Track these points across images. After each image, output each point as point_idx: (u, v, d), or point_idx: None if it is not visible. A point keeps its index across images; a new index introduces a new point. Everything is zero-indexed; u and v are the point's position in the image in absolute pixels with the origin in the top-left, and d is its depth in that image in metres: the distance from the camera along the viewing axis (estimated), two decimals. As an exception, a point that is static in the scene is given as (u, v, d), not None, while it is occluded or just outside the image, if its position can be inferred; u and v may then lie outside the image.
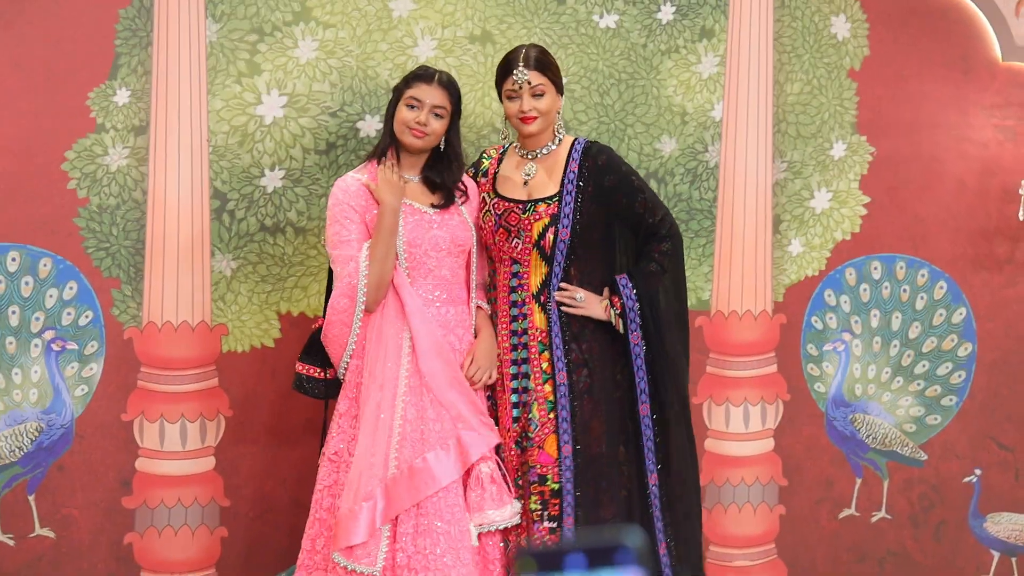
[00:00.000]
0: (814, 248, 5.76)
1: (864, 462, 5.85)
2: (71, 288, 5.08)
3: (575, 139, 4.88)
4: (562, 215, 4.78)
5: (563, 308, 4.78)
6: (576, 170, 4.82)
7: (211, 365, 5.20)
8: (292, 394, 5.03)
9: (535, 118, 4.79)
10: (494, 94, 5.39)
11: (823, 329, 5.79)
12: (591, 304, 4.80)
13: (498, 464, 4.69)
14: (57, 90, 5.05)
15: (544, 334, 4.78)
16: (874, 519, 5.88)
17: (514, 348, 4.81)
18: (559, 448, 4.70)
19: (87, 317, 5.10)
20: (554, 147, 4.87)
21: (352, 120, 5.27)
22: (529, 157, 4.89)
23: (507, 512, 4.65)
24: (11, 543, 5.08)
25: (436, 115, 4.76)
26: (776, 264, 5.72)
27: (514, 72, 4.79)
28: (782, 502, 5.77)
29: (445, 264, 4.75)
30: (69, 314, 5.09)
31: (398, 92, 4.78)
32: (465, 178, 4.88)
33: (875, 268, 5.84)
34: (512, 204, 4.83)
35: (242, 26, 5.20)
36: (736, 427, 5.72)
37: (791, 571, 5.79)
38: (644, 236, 4.85)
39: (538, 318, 4.80)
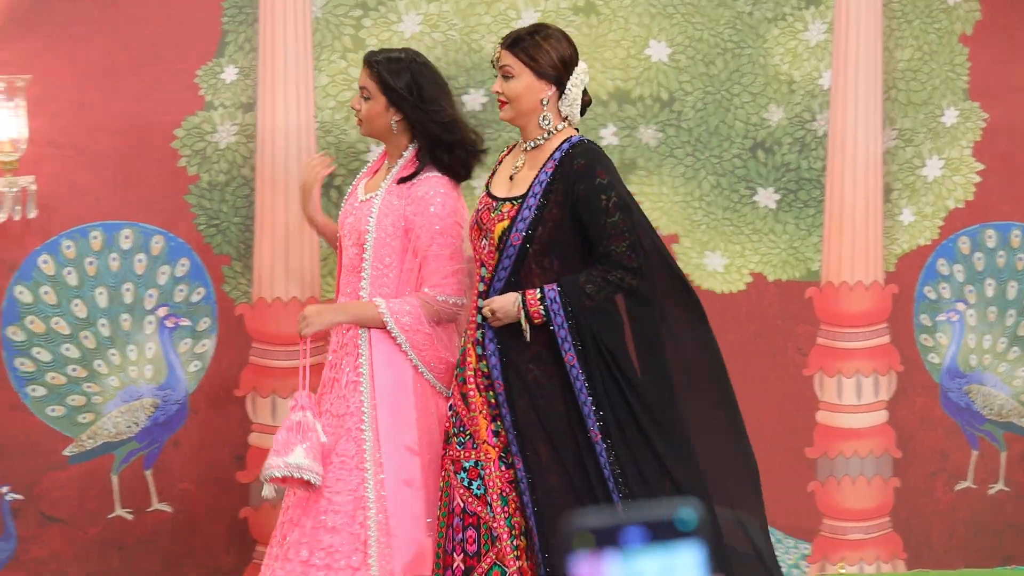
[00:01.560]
0: (926, 217, 5.68)
1: (980, 433, 5.77)
2: (183, 265, 5.13)
3: (571, 136, 4.37)
4: (519, 218, 4.30)
5: (490, 322, 4.31)
6: (551, 170, 4.31)
7: (321, 340, 5.23)
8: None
9: (503, 103, 4.37)
10: (599, 66, 5.36)
11: (936, 299, 5.71)
12: (504, 304, 4.29)
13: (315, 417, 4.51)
14: (166, 69, 5.09)
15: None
16: (991, 491, 5.79)
17: (479, 359, 4.37)
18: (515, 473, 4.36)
19: (199, 294, 5.14)
20: (541, 141, 4.37)
21: (456, 94, 5.26)
22: (523, 149, 4.44)
23: (284, 462, 4.45)
24: (130, 517, 5.14)
25: (363, 96, 4.58)
26: (887, 234, 5.64)
27: (495, 51, 4.45)
28: (896, 475, 5.71)
29: (348, 253, 4.59)
30: (181, 291, 5.13)
31: None
32: (424, 179, 4.51)
33: (990, 237, 5.75)
34: (490, 200, 4.42)
35: (347, 1, 5.22)
36: (848, 399, 5.66)
37: (906, 544, 5.72)
38: (598, 259, 4.27)
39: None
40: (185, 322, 5.12)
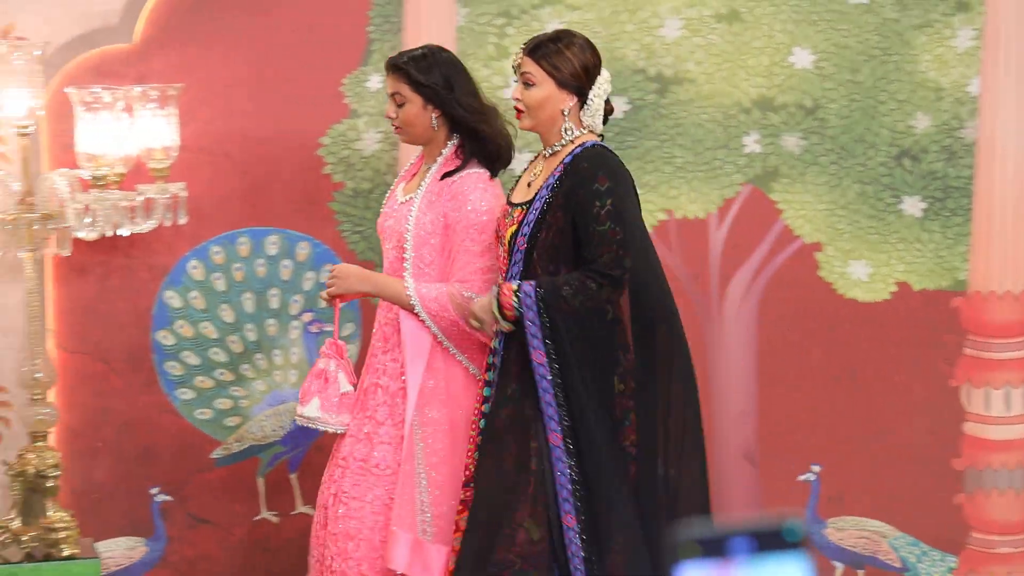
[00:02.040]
0: (1078, 225, 5.58)
1: None
2: (328, 271, 5.19)
3: (585, 141, 4.28)
4: (525, 223, 4.25)
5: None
6: (559, 174, 4.24)
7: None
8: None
9: (521, 112, 4.28)
10: (743, 74, 5.34)
11: (1088, 308, 5.61)
12: (483, 301, 4.24)
13: (339, 367, 4.53)
14: (312, 78, 5.16)
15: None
16: None
17: (488, 368, 4.33)
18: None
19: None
20: (559, 148, 4.29)
21: (600, 101, 5.28)
22: (543, 156, 4.37)
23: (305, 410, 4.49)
24: (275, 519, 5.21)
25: (397, 104, 4.53)
26: (1038, 242, 5.55)
27: (514, 54, 4.36)
28: (1046, 487, 5.61)
29: (388, 257, 4.57)
30: (326, 296, 5.20)
31: None
32: (465, 175, 4.45)
33: None
34: (507, 207, 4.38)
35: (490, 10, 5.25)
36: (997, 410, 5.58)
37: (1055, 558, 5.63)
38: (581, 265, 4.18)
39: None
40: (329, 327, 5.18)
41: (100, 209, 4.76)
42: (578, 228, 4.16)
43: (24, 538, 4.79)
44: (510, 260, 4.27)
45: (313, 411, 4.47)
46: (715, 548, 1.36)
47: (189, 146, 5.00)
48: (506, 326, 4.19)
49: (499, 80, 5.22)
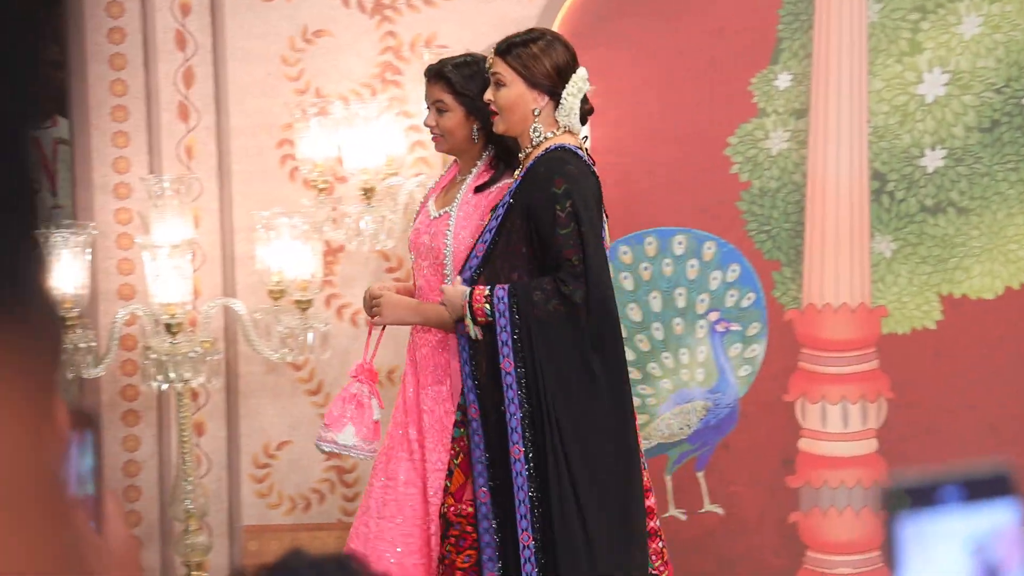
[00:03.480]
0: None
1: None
2: (733, 270, 5.20)
3: (551, 146, 4.20)
4: (486, 228, 4.20)
5: None
6: (520, 179, 4.19)
7: (871, 347, 5.18)
8: (956, 377, 4.93)
9: (495, 114, 4.22)
10: None
11: None
12: (453, 295, 4.18)
13: (372, 393, 4.38)
14: (720, 77, 5.17)
15: None
16: None
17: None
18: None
19: (749, 299, 5.20)
20: (530, 149, 4.22)
21: (1018, 96, 5.11)
22: (521, 158, 4.29)
23: (340, 437, 4.34)
24: (683, 517, 5.25)
25: (439, 111, 4.36)
26: None
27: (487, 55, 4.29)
28: None
29: (423, 274, 4.43)
30: (732, 296, 5.20)
31: None
32: (504, 182, 4.34)
33: None
34: None
35: (904, 5, 5.15)
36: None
37: None
38: (548, 270, 4.12)
39: None
40: (735, 327, 5.19)
41: (512, 210, 4.90)
42: (540, 234, 4.10)
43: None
44: (465, 264, 4.23)
45: (349, 439, 4.37)
46: (924, 497, 1.34)
47: (597, 148, 5.08)
48: (475, 332, 4.14)
49: (911, 76, 5.12)
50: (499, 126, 4.24)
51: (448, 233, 4.35)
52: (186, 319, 4.83)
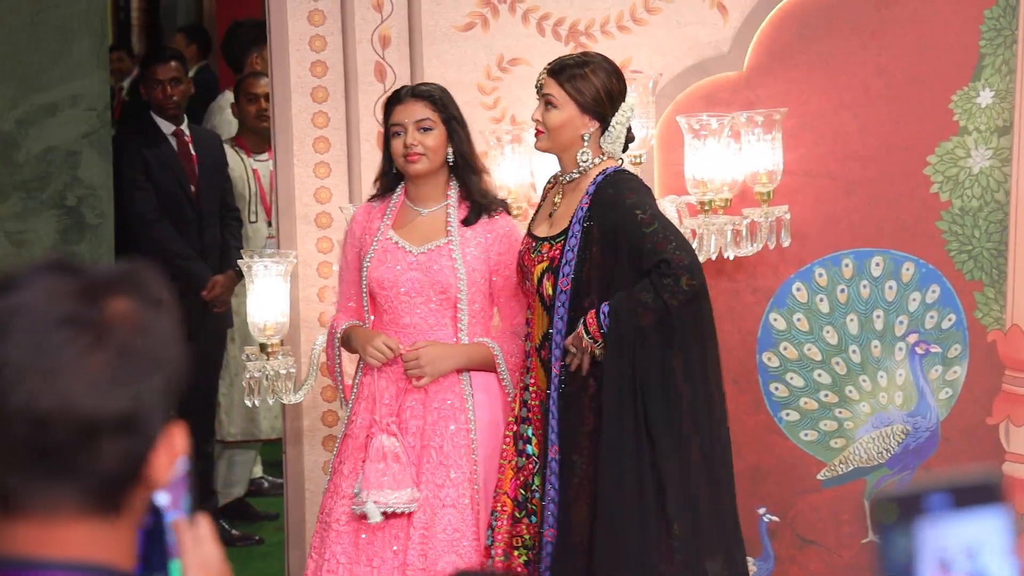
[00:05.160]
0: None
1: None
2: (933, 292, 5.10)
3: (606, 168, 4.23)
4: (563, 262, 4.17)
5: (571, 368, 4.16)
6: (586, 207, 4.17)
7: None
8: None
9: (540, 132, 4.25)
10: None
11: None
12: (577, 339, 4.14)
13: (399, 442, 4.24)
14: (919, 95, 5.09)
15: (544, 394, 4.23)
16: None
17: (523, 404, 4.27)
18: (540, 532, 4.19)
19: (950, 320, 5.09)
20: (578, 175, 4.24)
21: None
22: (562, 182, 4.32)
23: (406, 496, 4.21)
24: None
25: (423, 129, 4.33)
26: None
27: (539, 73, 4.31)
28: None
29: (418, 311, 4.33)
30: (932, 317, 5.10)
31: (385, 127, 4.45)
32: (500, 215, 4.42)
33: None
34: (531, 241, 4.30)
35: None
36: None
37: None
38: (647, 271, 4.10)
39: (540, 374, 4.26)
40: (935, 349, 5.09)
41: (706, 233, 4.89)
42: (629, 245, 4.10)
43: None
44: (551, 302, 4.20)
45: (410, 495, 4.28)
46: (912, 506, 1.33)
47: (792, 169, 5.05)
48: (600, 351, 4.12)
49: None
50: (542, 143, 4.28)
51: (459, 270, 4.35)
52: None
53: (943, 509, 1.36)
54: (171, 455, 1.60)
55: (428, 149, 4.37)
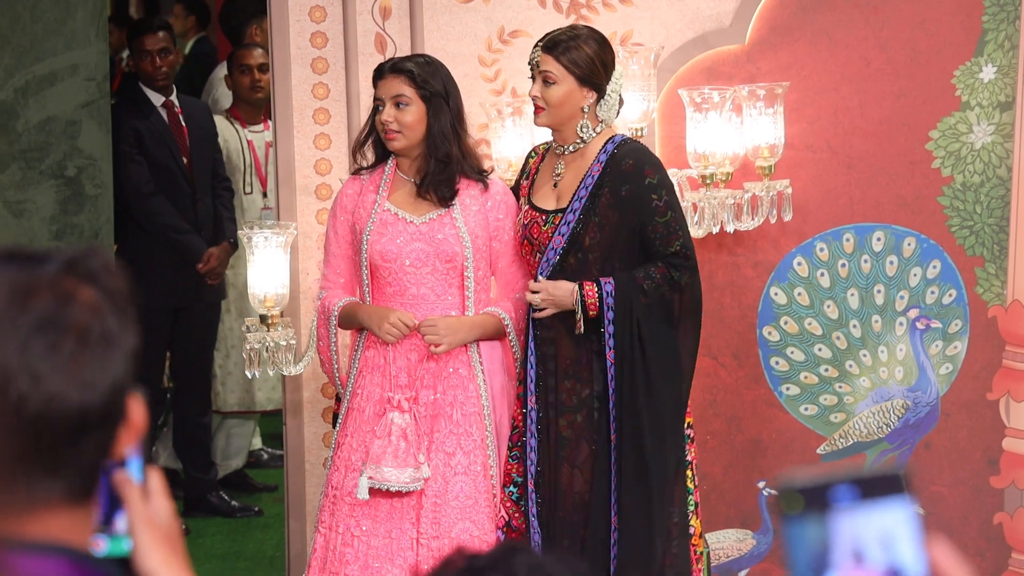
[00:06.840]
0: None
1: None
2: (934, 267, 5.10)
3: (613, 136, 4.32)
4: (563, 221, 4.25)
5: (533, 315, 4.24)
6: (597, 173, 4.25)
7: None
8: None
9: (541, 109, 4.27)
10: None
11: None
12: (560, 292, 4.20)
13: (416, 421, 4.24)
14: (921, 70, 5.08)
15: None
16: None
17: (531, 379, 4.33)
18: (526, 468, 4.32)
19: (950, 296, 5.09)
20: (581, 145, 4.31)
21: None
22: (558, 153, 4.37)
23: (406, 475, 4.19)
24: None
25: (399, 105, 4.30)
26: None
27: (532, 51, 4.33)
28: None
29: (425, 281, 4.31)
30: (932, 292, 5.10)
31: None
32: (494, 181, 4.41)
33: None
34: (537, 214, 4.33)
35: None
36: None
37: None
38: (654, 258, 4.24)
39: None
40: (936, 324, 5.09)
41: (707, 207, 4.88)
42: (639, 225, 4.20)
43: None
44: (545, 254, 4.26)
45: (410, 475, 4.26)
46: (818, 498, 1.33)
47: (794, 143, 5.04)
48: (581, 327, 4.19)
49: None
50: (543, 119, 4.31)
51: (464, 238, 4.33)
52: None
53: (849, 501, 1.36)
54: (133, 430, 1.62)
55: (403, 126, 4.33)
